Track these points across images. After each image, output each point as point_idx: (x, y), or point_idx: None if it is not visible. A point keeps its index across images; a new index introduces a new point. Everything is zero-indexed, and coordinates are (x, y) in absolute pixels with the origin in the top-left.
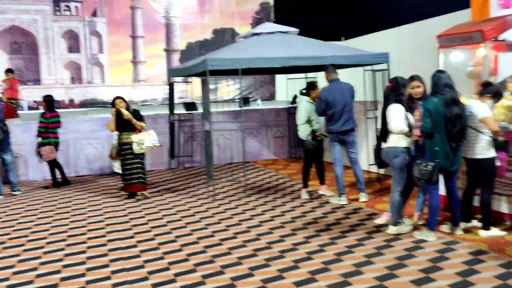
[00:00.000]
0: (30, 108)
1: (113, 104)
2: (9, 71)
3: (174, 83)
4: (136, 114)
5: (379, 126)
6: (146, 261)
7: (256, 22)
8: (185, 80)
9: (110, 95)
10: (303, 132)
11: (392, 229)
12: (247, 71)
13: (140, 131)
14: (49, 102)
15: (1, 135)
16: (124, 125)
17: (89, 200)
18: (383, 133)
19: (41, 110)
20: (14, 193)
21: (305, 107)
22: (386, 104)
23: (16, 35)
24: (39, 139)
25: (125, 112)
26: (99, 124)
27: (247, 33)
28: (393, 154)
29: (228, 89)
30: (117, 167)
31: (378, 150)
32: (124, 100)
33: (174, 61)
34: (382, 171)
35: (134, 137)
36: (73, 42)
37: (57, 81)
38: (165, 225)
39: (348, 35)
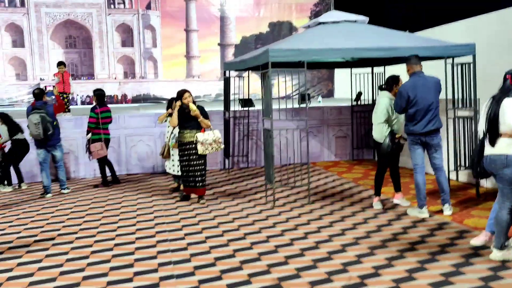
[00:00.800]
0: (83, 102)
1: (178, 97)
2: (61, 64)
3: (230, 78)
4: (202, 110)
5: (481, 126)
6: (201, 282)
7: (315, 15)
8: (240, 75)
9: (163, 90)
10: (379, 133)
11: (497, 254)
12: (308, 65)
13: (204, 130)
14: (99, 96)
15: (51, 130)
16: (187, 122)
17: (139, 201)
18: (492, 136)
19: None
20: (63, 191)
21: (385, 104)
22: (498, 100)
23: (71, 29)
24: (89, 135)
25: (193, 107)
26: (152, 120)
27: (311, 22)
28: (502, 163)
29: (284, 85)
30: (169, 167)
31: (479, 157)
32: (191, 94)
33: (228, 55)
34: (463, 178)
35: (200, 136)
36: (126, 36)
37: (110, 76)
38: (221, 235)
39: (413, 28)
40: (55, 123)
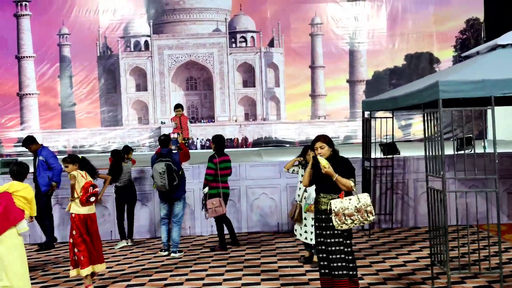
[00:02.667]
0: (202, 146)
1: (311, 145)
2: (178, 106)
3: (371, 119)
4: (343, 164)
5: None
6: None
7: (461, 44)
8: (372, 115)
9: (286, 132)
10: None
11: None
12: (452, 103)
13: (344, 194)
14: (219, 143)
15: (177, 180)
16: (320, 182)
17: (262, 268)
18: None
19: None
20: (173, 254)
21: None
22: None
23: (192, 70)
24: (206, 189)
25: (323, 162)
26: (277, 169)
27: (485, 46)
28: None
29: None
30: (299, 232)
31: None
32: (329, 142)
33: (359, 93)
34: None
35: (334, 204)
36: (248, 75)
37: (230, 118)
38: None
39: None
40: (180, 172)
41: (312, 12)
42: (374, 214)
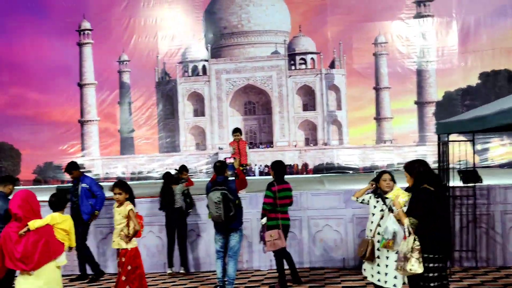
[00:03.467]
0: (261, 173)
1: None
2: (236, 131)
3: (449, 143)
4: (415, 198)
5: None
6: None
7: None
8: (442, 138)
9: (349, 158)
10: None
11: None
12: None
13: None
14: (278, 169)
15: (233, 210)
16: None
17: None
18: None
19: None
20: None
21: None
22: None
23: (250, 94)
24: (264, 220)
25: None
26: (342, 198)
27: None
28: None
29: (503, 149)
30: (370, 273)
31: None
32: (408, 168)
33: (428, 115)
34: None
35: (402, 247)
36: (308, 98)
37: (290, 143)
38: None
39: None
40: (237, 201)
41: (375, 31)
42: (417, 264)
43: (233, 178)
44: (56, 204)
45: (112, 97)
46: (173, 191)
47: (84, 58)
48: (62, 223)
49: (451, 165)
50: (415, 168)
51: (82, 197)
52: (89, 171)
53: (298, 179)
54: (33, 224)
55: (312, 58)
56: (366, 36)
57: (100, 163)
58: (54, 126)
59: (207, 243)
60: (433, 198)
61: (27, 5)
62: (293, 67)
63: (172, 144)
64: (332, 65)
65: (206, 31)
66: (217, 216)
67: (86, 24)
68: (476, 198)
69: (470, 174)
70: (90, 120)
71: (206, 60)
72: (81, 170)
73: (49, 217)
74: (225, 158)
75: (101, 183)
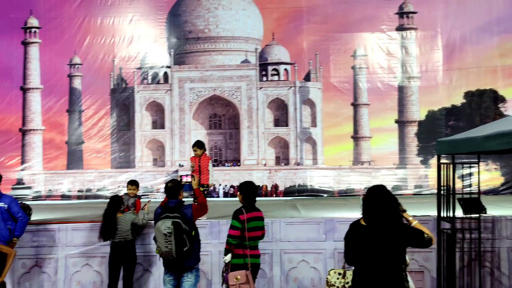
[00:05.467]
0: (225, 194)
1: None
2: (197, 144)
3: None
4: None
5: None
6: None
7: None
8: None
9: (323, 180)
10: None
11: None
12: None
13: None
14: (248, 192)
15: (188, 244)
16: None
17: None
18: None
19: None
20: None
21: None
22: None
23: (216, 106)
24: (228, 257)
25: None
26: (322, 229)
27: None
28: None
29: (487, 175)
30: None
31: None
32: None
33: (409, 135)
34: None
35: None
36: (280, 113)
37: (259, 162)
38: None
39: None
40: (193, 233)
41: (354, 42)
42: None
43: (191, 201)
44: None
45: (60, 104)
46: (116, 220)
47: (29, 59)
48: None
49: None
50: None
51: None
52: (29, 187)
53: (267, 202)
54: None
55: (285, 69)
56: (344, 47)
57: (43, 178)
58: None
59: (157, 281)
60: (350, 233)
61: None
62: (264, 78)
63: (127, 159)
64: (307, 78)
65: (169, 35)
66: (167, 252)
67: (34, 22)
68: (480, 231)
69: (472, 203)
70: (33, 129)
71: (168, 67)
72: (19, 186)
73: None
74: (180, 176)
75: (42, 202)
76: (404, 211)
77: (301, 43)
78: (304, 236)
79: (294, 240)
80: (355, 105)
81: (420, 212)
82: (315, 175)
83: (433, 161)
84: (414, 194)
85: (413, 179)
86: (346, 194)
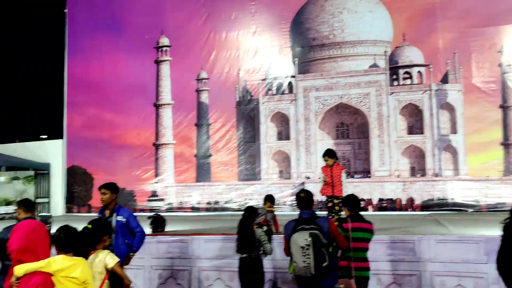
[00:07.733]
0: None
1: None
2: (329, 153)
3: None
4: None
5: None
6: None
7: None
8: None
9: (466, 193)
10: None
11: None
12: None
13: None
14: (351, 202)
15: (327, 260)
16: None
17: None
18: None
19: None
20: None
21: None
22: None
23: (343, 114)
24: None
25: None
26: (482, 249)
27: None
28: None
29: None
30: None
31: None
32: None
33: None
34: None
35: None
36: (414, 119)
37: (391, 173)
38: None
39: None
40: (330, 249)
41: (500, 37)
42: None
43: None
44: (63, 243)
45: (189, 119)
46: (254, 233)
47: (161, 77)
48: (69, 269)
49: None
50: None
51: (117, 234)
52: (162, 199)
53: (403, 217)
54: (19, 269)
55: (419, 72)
56: (488, 43)
57: (174, 190)
58: (128, 149)
59: None
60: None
61: (106, 24)
62: (395, 83)
63: (253, 172)
64: (444, 80)
65: (293, 44)
66: (305, 268)
67: (165, 41)
68: None
69: None
70: (165, 144)
71: (292, 76)
72: (153, 198)
73: (44, 261)
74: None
75: (174, 213)
76: None
77: (436, 42)
78: (459, 257)
79: (447, 262)
80: (505, 108)
81: None
82: (456, 188)
83: None
84: None
85: None
86: (495, 209)
